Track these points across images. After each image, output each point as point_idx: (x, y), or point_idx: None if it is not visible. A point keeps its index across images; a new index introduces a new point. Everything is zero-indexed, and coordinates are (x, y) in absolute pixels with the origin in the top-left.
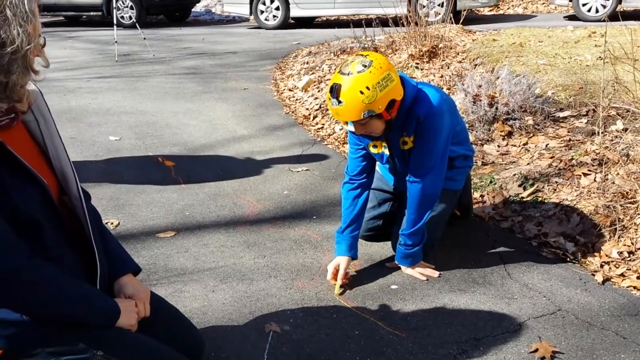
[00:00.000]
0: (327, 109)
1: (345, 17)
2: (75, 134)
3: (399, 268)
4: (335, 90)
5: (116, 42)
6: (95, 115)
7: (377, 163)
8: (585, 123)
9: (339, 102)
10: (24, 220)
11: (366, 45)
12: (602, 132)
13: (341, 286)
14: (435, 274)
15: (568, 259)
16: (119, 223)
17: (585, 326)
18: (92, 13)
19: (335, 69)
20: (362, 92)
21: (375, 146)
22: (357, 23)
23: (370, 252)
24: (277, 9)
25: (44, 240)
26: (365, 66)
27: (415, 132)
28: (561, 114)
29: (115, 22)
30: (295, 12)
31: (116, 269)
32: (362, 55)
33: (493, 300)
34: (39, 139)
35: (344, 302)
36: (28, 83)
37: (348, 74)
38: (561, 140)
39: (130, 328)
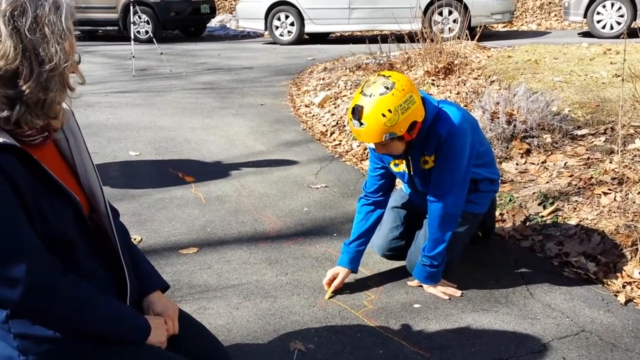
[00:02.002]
0: (344, 126)
1: (359, 33)
2: (96, 149)
3: (421, 286)
4: (357, 112)
5: (133, 57)
6: (114, 130)
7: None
8: (604, 141)
9: (361, 123)
10: (57, 238)
11: (381, 62)
12: (621, 151)
13: (332, 292)
14: (458, 293)
15: (590, 279)
16: (141, 239)
17: (610, 347)
18: (108, 28)
19: (357, 89)
20: (384, 115)
21: (396, 164)
22: (372, 38)
23: (391, 270)
24: (292, 24)
25: (77, 257)
26: (387, 88)
27: (436, 151)
28: (579, 132)
29: (132, 37)
30: (309, 27)
31: (145, 286)
32: (384, 76)
33: (516, 321)
34: (69, 157)
35: (367, 320)
36: (64, 100)
37: (370, 96)
38: (580, 159)
39: (160, 345)
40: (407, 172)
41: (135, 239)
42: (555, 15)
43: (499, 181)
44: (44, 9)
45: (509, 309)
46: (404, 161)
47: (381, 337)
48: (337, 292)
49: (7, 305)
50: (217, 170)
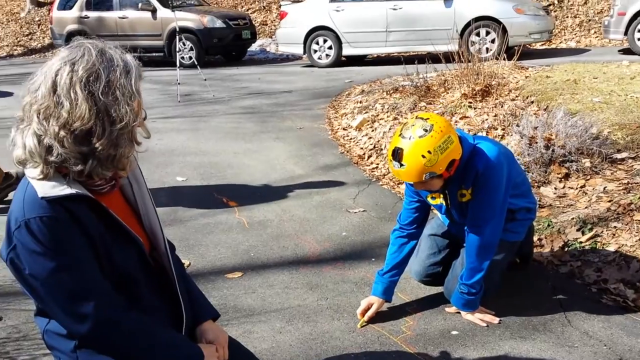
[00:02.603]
0: (381, 149)
1: (396, 54)
2: (145, 175)
3: (459, 313)
4: (397, 154)
5: (179, 83)
6: (162, 155)
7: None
8: None
9: (401, 165)
10: (122, 276)
11: (418, 84)
12: None
13: (366, 321)
14: (495, 320)
15: (628, 307)
16: (189, 263)
17: None
18: (154, 54)
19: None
20: (423, 156)
21: (433, 197)
22: (408, 59)
23: (429, 296)
24: (330, 48)
25: (139, 293)
26: (426, 130)
27: (473, 184)
28: (619, 156)
29: (177, 64)
30: (347, 50)
31: (198, 315)
32: (422, 118)
33: (554, 348)
34: (132, 201)
35: (405, 347)
36: (132, 154)
37: (409, 138)
38: (619, 183)
39: None
40: (444, 204)
41: (184, 264)
42: (595, 32)
43: (536, 209)
44: (116, 73)
45: (546, 337)
46: (441, 195)
47: None
48: (376, 317)
49: (76, 337)
50: (259, 195)
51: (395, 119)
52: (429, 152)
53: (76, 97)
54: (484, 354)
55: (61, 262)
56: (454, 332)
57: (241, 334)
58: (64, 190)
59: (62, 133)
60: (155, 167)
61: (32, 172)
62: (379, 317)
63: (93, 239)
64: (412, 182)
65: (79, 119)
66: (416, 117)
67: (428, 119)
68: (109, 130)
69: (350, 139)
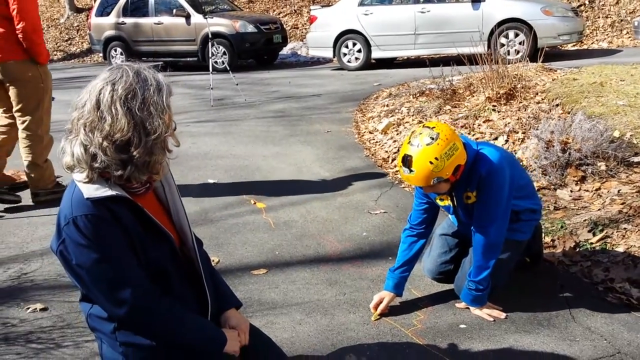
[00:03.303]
0: None
1: (425, 56)
2: (178, 178)
3: (468, 308)
4: (407, 161)
5: (212, 88)
6: (195, 159)
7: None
8: None
9: (411, 170)
10: (156, 268)
11: (444, 87)
12: None
13: (378, 314)
14: (502, 315)
15: (632, 305)
16: (219, 260)
17: None
18: (188, 59)
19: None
20: (431, 163)
21: (442, 199)
22: (433, 62)
23: (441, 292)
24: (359, 51)
25: (171, 283)
26: (432, 138)
27: (477, 187)
28: (635, 159)
29: (210, 69)
30: (376, 53)
31: (223, 304)
32: (428, 127)
33: (555, 342)
34: (164, 201)
35: (416, 338)
36: (164, 160)
37: (417, 146)
38: (634, 186)
39: (234, 354)
40: (451, 205)
41: (213, 260)
42: (627, 32)
43: (541, 210)
44: (150, 91)
45: (549, 332)
46: (448, 197)
47: (428, 355)
48: (390, 311)
49: (115, 319)
50: (285, 197)
51: (420, 122)
52: (436, 158)
53: (117, 112)
54: (489, 346)
55: (103, 253)
56: (462, 326)
57: (264, 325)
58: (106, 192)
59: (105, 143)
60: (188, 170)
61: (79, 176)
62: (393, 311)
63: (131, 234)
64: (421, 186)
65: (119, 131)
66: (423, 126)
67: (434, 127)
68: (145, 141)
69: (376, 142)
